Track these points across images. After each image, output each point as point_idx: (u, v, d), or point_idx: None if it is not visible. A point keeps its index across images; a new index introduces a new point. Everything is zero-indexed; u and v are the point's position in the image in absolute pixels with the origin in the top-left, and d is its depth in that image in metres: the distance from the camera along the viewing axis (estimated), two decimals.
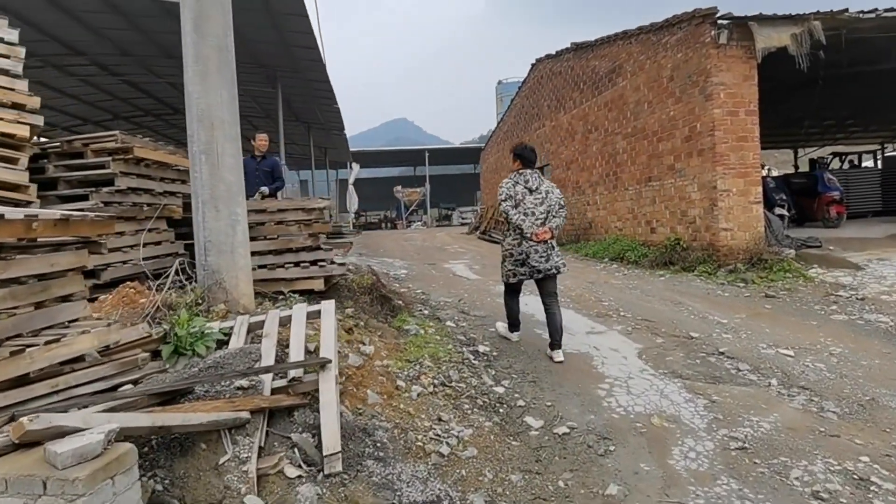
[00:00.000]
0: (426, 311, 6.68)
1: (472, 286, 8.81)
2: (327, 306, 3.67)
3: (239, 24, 12.46)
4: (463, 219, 38.04)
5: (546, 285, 5.21)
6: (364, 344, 4.49)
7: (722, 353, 5.12)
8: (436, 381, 4.15)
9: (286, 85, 16.39)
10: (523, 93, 19.06)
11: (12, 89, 4.71)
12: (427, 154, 40.30)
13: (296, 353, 3.26)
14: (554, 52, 16.19)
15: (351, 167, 36.06)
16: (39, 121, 4.86)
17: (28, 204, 4.78)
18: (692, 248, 10.19)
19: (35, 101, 4.81)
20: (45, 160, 5.22)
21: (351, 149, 41.49)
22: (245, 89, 17.45)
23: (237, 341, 3.41)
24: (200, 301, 4.05)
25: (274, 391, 3.09)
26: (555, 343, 5.05)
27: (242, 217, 4.22)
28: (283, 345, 3.53)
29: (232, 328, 3.54)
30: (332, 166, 35.62)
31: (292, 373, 3.14)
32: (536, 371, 4.74)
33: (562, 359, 4.96)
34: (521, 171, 5.11)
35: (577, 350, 5.32)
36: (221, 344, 3.46)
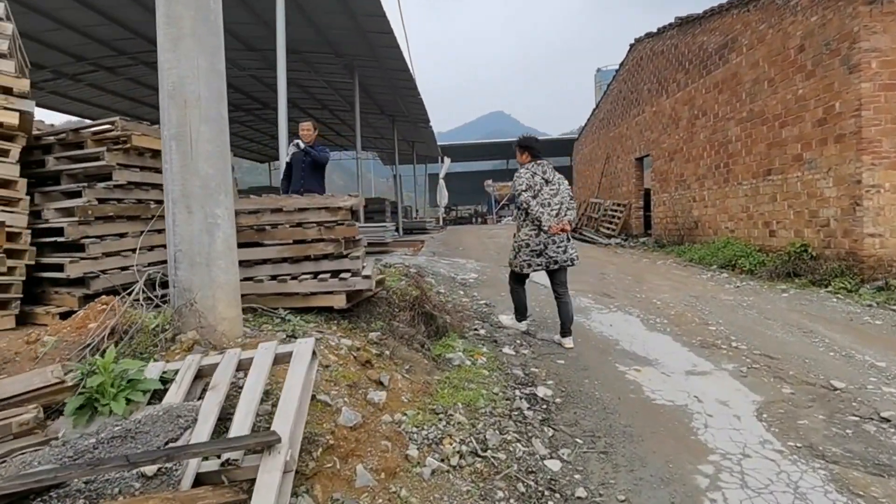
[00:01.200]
0: (482, 332, 5.56)
1: (549, 297, 7.54)
2: (302, 348, 2.67)
3: (310, 10, 11.91)
4: None
5: (560, 275, 5.27)
6: (380, 385, 3.47)
7: (886, 421, 3.59)
8: (465, 448, 3.04)
9: (365, 75, 15.76)
10: (621, 77, 17.27)
11: None
12: None
13: (241, 421, 2.29)
14: (655, 30, 14.36)
15: (442, 161, 35.55)
16: (30, 106, 4.27)
17: (16, 202, 4.20)
18: (824, 258, 8.29)
19: (23, 84, 4.21)
20: (50, 151, 4.65)
21: (446, 143, 40.97)
22: (327, 80, 17.11)
23: (175, 393, 2.49)
24: (167, 327, 3.20)
25: (201, 477, 2.13)
26: (566, 331, 5.19)
27: (225, 220, 3.33)
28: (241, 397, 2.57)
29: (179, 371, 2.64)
30: (422, 161, 35.18)
31: (228, 452, 2.17)
32: (612, 433, 3.49)
33: (572, 345, 5.12)
34: (538, 162, 5.21)
35: (671, 401, 3.98)
36: (161, 394, 2.56)
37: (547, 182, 5.13)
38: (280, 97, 8.82)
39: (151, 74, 15.97)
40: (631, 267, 10.38)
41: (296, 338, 3.50)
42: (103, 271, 4.32)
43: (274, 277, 4.29)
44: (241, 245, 4.30)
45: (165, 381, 2.61)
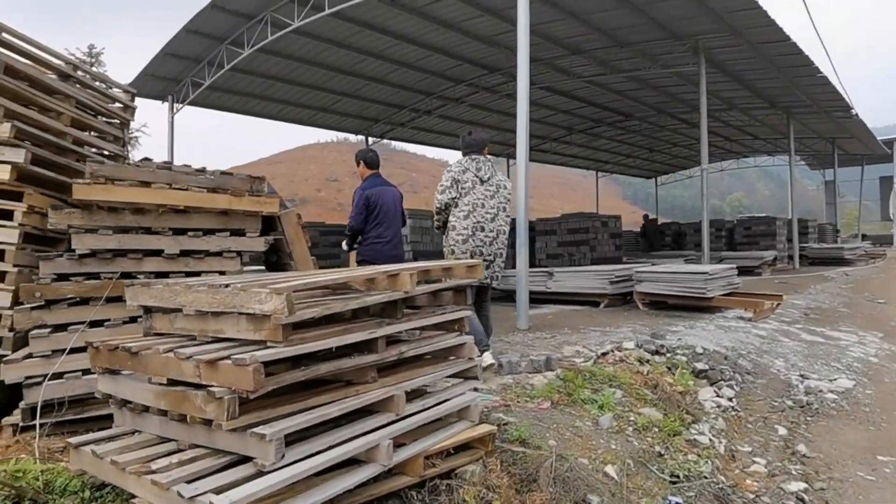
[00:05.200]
0: None
1: None
2: None
3: None
4: None
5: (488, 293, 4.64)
6: None
7: None
8: None
9: (722, 59, 11.79)
10: None
11: None
12: None
13: None
14: None
15: None
16: (19, 156, 3.33)
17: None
18: None
19: (3, 130, 3.29)
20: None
21: None
22: (679, 74, 13.51)
23: None
24: None
25: None
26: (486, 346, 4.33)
27: None
28: None
29: None
30: (847, 161, 26.23)
31: None
32: None
33: (492, 360, 4.16)
34: (472, 157, 4.50)
35: None
36: None
37: (482, 181, 4.44)
38: (520, 97, 6.51)
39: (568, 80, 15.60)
40: None
41: None
42: (59, 375, 3.04)
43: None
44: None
45: None
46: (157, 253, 3.25)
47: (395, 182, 5.43)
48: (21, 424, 3.03)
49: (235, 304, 2.04)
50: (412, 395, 2.61)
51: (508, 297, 7.48)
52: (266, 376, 1.98)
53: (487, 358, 4.18)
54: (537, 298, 9.11)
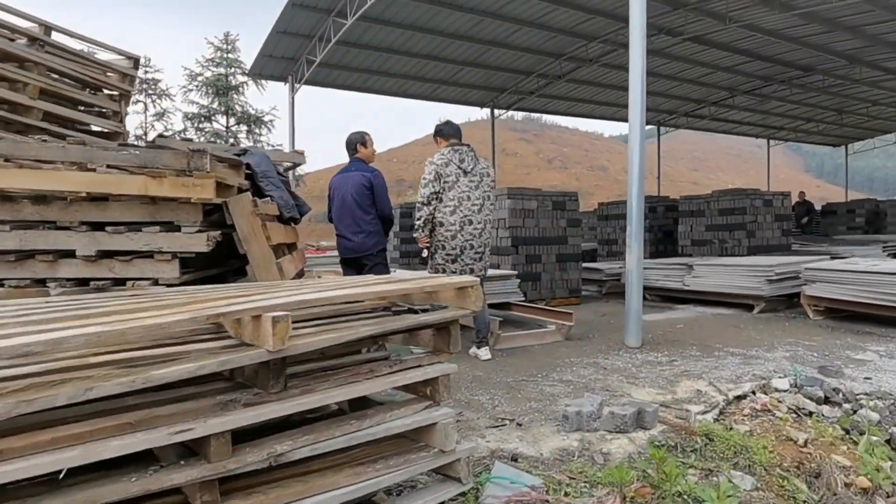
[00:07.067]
0: None
1: None
2: None
3: None
4: None
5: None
6: None
7: None
8: None
9: None
10: None
11: None
12: None
13: None
14: None
15: None
16: None
17: None
18: None
19: None
20: None
21: None
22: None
23: None
24: None
25: None
26: (481, 340, 4.47)
27: None
28: None
29: None
30: None
31: None
32: None
33: (488, 356, 4.38)
34: (455, 148, 4.39)
35: None
36: None
37: (465, 172, 4.37)
38: (634, 42, 4.90)
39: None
40: None
41: None
42: None
43: None
44: None
45: None
46: (67, 254, 2.47)
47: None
48: None
49: None
50: None
51: None
52: None
53: (484, 353, 4.36)
54: (673, 297, 7.45)
